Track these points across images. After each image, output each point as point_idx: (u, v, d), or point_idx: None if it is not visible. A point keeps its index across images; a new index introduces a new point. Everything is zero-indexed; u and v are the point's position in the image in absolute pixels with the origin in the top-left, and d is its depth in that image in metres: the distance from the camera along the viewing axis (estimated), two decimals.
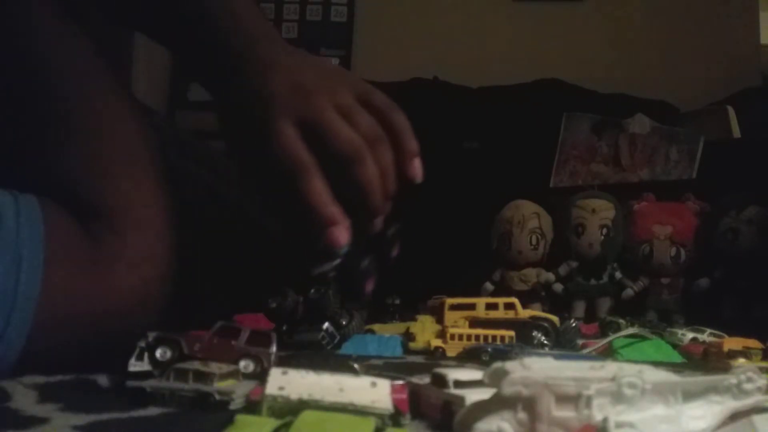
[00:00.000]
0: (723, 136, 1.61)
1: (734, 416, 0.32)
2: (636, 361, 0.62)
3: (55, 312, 0.46)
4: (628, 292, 1.09)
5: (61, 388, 0.44)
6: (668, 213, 1.12)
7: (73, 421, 0.36)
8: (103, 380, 0.46)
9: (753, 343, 0.65)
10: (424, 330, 0.74)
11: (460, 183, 1.54)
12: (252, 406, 0.38)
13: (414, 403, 0.39)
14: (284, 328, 0.70)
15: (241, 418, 0.32)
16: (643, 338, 0.74)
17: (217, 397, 0.39)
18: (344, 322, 0.70)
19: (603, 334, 0.81)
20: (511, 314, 0.76)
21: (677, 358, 0.68)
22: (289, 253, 0.66)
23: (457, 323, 0.73)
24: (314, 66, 0.58)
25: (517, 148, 1.66)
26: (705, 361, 0.65)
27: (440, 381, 0.39)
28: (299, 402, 0.34)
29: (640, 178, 1.48)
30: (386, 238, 0.59)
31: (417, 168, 0.58)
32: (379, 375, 0.39)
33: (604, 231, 1.12)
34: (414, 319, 0.79)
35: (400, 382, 0.41)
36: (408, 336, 0.74)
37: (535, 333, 0.70)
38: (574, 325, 0.75)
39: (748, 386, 0.33)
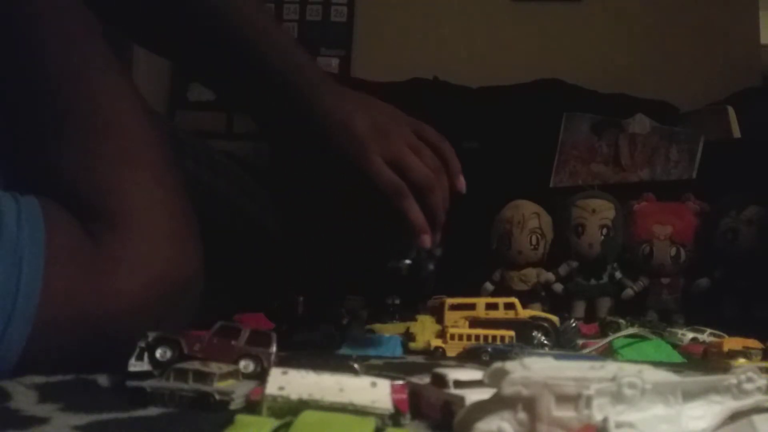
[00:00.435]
0: (723, 136, 1.60)
1: (734, 416, 0.32)
2: (636, 361, 0.62)
3: (56, 314, 0.46)
4: (628, 292, 1.09)
5: (61, 388, 0.44)
6: (668, 213, 1.12)
7: (73, 421, 0.36)
8: (103, 380, 0.46)
9: (753, 343, 0.65)
10: (424, 330, 0.74)
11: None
12: (252, 406, 0.38)
13: (414, 403, 0.39)
14: (284, 328, 0.71)
15: (241, 418, 0.32)
16: (643, 338, 0.74)
17: (217, 397, 0.39)
18: (344, 322, 0.70)
19: (603, 334, 0.81)
20: (511, 314, 0.76)
21: (677, 358, 0.68)
22: (289, 252, 0.80)
23: (457, 323, 0.73)
24: (381, 109, 0.73)
25: (517, 148, 1.66)
26: (705, 361, 0.65)
27: (440, 381, 0.39)
28: (299, 402, 0.34)
29: (640, 178, 1.48)
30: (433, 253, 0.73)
31: (462, 183, 0.73)
32: (379, 375, 0.39)
33: (604, 231, 1.12)
34: (414, 319, 0.79)
35: (400, 382, 0.41)
36: (408, 336, 0.73)
37: (535, 333, 0.70)
38: (574, 325, 0.75)
39: (748, 386, 0.33)
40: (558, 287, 1.12)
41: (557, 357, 0.34)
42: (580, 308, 1.11)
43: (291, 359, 0.50)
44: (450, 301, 0.77)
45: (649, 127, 1.51)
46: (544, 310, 0.96)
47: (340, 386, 0.36)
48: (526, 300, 0.94)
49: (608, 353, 0.69)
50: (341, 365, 0.44)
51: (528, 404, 0.28)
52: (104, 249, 0.50)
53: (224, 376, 0.41)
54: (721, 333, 0.76)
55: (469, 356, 0.64)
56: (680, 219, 1.11)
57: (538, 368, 0.30)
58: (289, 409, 0.34)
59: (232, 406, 0.39)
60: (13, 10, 0.55)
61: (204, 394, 0.39)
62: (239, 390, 0.40)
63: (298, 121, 0.70)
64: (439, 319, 0.77)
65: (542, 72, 2.05)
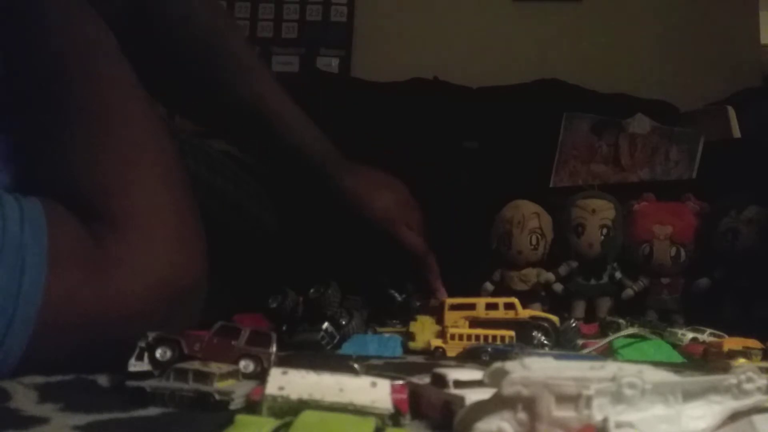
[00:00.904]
0: (723, 136, 1.60)
1: (734, 416, 0.32)
2: (636, 361, 0.62)
3: (56, 318, 0.46)
4: (628, 292, 1.09)
5: (61, 388, 0.44)
6: (668, 213, 1.12)
7: (73, 421, 0.36)
8: (103, 380, 0.46)
9: (753, 343, 0.65)
10: (424, 330, 0.74)
11: (460, 183, 1.54)
12: (252, 406, 0.38)
13: (414, 403, 0.39)
14: (284, 328, 0.71)
15: (241, 418, 0.32)
16: (643, 338, 0.74)
17: (217, 397, 0.39)
18: (344, 322, 0.70)
19: (603, 334, 0.81)
20: (511, 314, 0.76)
21: (677, 358, 0.68)
22: (287, 250, 0.90)
23: (457, 323, 0.73)
24: (390, 182, 0.90)
25: (517, 148, 1.66)
26: (705, 361, 0.65)
27: (440, 381, 0.39)
28: (299, 402, 0.34)
29: (640, 178, 1.48)
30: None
31: None
32: (379, 375, 0.39)
33: (604, 231, 1.11)
34: (414, 319, 0.79)
35: (400, 382, 0.41)
36: (408, 336, 0.73)
37: (535, 333, 0.70)
38: (574, 325, 0.75)
39: (748, 386, 0.33)
40: (558, 287, 1.11)
41: (557, 357, 0.34)
42: (580, 308, 1.10)
43: (291, 359, 0.50)
44: (450, 301, 0.77)
45: (649, 127, 1.51)
46: (544, 310, 0.96)
47: (340, 386, 0.36)
48: (526, 300, 0.93)
49: (608, 353, 0.69)
50: (341, 365, 0.44)
51: (528, 404, 0.28)
52: (107, 250, 0.50)
53: (224, 376, 0.41)
54: (721, 333, 0.76)
55: (469, 356, 0.64)
56: (680, 219, 1.11)
57: (538, 368, 0.30)
58: (289, 409, 0.34)
59: (232, 406, 0.39)
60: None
61: (204, 394, 0.39)
62: (239, 390, 0.40)
63: (319, 193, 0.84)
64: (439, 320, 0.77)
65: (542, 72, 2.05)
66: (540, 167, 1.57)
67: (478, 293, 1.10)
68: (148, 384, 0.40)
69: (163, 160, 0.57)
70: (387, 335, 0.75)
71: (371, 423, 0.32)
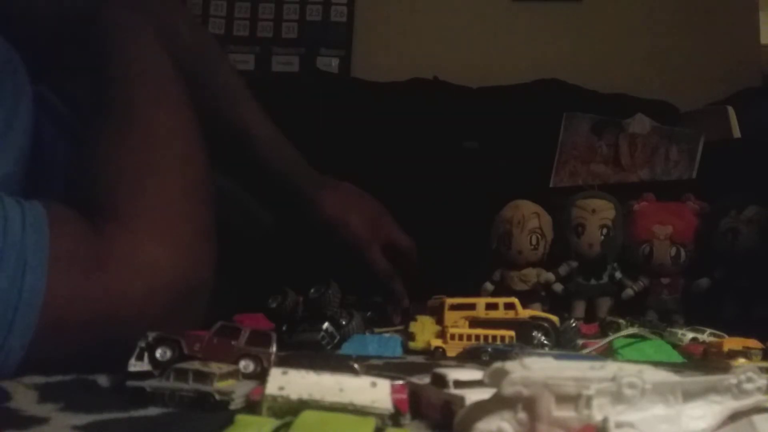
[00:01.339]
0: (723, 136, 1.60)
1: (734, 416, 0.32)
2: (636, 361, 0.62)
3: (58, 319, 0.46)
4: (628, 292, 1.09)
5: (61, 388, 0.44)
6: (668, 213, 1.12)
7: (73, 421, 0.36)
8: (103, 380, 0.46)
9: (753, 343, 0.65)
10: (424, 330, 0.74)
11: (460, 183, 1.54)
12: (252, 406, 0.38)
13: (414, 403, 0.39)
14: (284, 328, 0.71)
15: (241, 418, 0.32)
16: (643, 338, 0.74)
17: (217, 397, 0.39)
18: (344, 322, 0.70)
19: (603, 334, 0.81)
20: (511, 314, 0.76)
21: (677, 358, 0.68)
22: (284, 248, 0.92)
23: (457, 323, 0.73)
24: (366, 203, 0.93)
25: (517, 148, 1.66)
26: (705, 361, 0.65)
27: (440, 381, 0.39)
28: (299, 402, 0.34)
29: (640, 178, 1.48)
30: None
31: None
32: (379, 375, 0.39)
33: (604, 231, 1.11)
34: (414, 319, 0.79)
35: (400, 382, 0.41)
36: (408, 336, 0.73)
37: (535, 333, 0.70)
38: (574, 325, 0.75)
39: (748, 386, 0.33)
40: (558, 287, 1.11)
41: (557, 357, 0.34)
42: (580, 308, 1.10)
43: (291, 359, 0.50)
44: (450, 301, 0.77)
45: (649, 127, 1.51)
46: (544, 310, 0.96)
47: (340, 386, 0.36)
48: (526, 300, 0.93)
49: (608, 353, 0.69)
50: (341, 365, 0.44)
51: (528, 404, 0.28)
52: (111, 250, 0.50)
53: (224, 376, 0.41)
54: (721, 333, 0.76)
55: (469, 356, 0.64)
56: (680, 219, 1.11)
57: (538, 368, 0.30)
58: (289, 409, 0.34)
59: (232, 406, 0.39)
60: None
61: (204, 394, 0.39)
62: (239, 390, 0.40)
63: (300, 215, 0.87)
64: (439, 319, 0.77)
65: (542, 72, 2.04)
66: (540, 167, 1.57)
67: (478, 293, 1.10)
68: (148, 384, 0.40)
69: (191, 174, 0.58)
70: (387, 335, 0.75)
71: (371, 423, 0.32)
